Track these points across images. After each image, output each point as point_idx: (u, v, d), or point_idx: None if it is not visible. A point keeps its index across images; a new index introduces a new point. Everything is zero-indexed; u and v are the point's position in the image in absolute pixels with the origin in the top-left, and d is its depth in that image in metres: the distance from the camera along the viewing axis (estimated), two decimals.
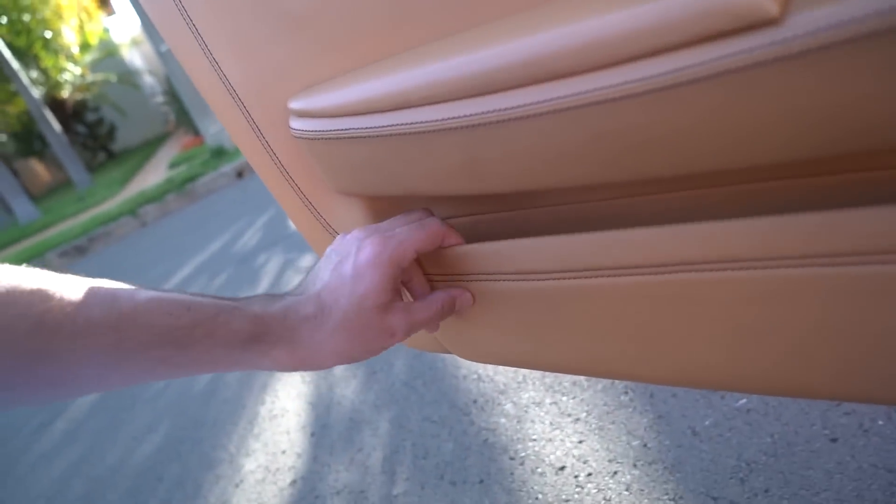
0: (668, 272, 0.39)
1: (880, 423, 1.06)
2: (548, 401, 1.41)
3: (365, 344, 0.44)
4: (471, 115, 0.39)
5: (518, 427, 1.37)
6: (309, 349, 0.44)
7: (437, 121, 0.41)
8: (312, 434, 1.69)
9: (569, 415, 1.34)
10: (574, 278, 0.44)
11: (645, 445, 1.18)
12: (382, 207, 0.56)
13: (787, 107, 0.28)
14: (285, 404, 1.90)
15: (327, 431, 1.67)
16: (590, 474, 1.17)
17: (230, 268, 3.41)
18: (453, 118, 0.40)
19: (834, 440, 1.06)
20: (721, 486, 1.05)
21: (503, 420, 1.41)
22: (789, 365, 0.38)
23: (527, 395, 1.45)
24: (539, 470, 1.24)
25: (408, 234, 0.46)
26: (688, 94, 0.30)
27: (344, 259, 0.45)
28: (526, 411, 1.41)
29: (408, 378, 1.72)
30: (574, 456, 1.23)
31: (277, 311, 0.44)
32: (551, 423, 1.34)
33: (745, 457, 1.08)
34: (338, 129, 0.47)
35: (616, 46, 0.31)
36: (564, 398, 1.39)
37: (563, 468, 1.21)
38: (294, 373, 2.05)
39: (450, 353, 0.62)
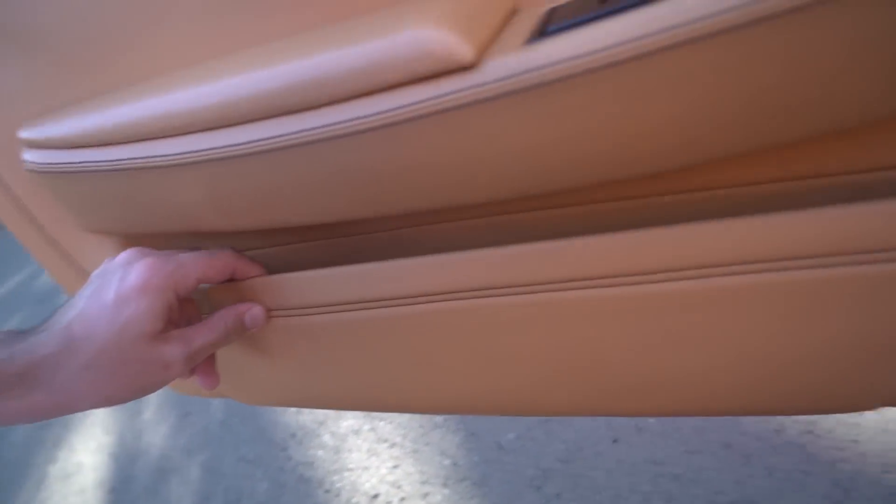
0: (425, 302, 0.41)
1: (651, 421, 1.20)
2: (366, 427, 1.41)
3: (131, 381, 0.39)
4: (206, 149, 0.38)
5: (335, 458, 1.35)
6: (52, 393, 0.38)
7: (173, 155, 0.40)
8: (112, 490, 1.52)
9: (385, 440, 1.35)
10: (338, 312, 0.44)
11: (455, 464, 1.23)
12: (148, 246, 0.53)
13: (492, 145, 0.31)
14: (82, 459, 1.69)
15: (130, 485, 1.51)
16: (403, 499, 1.19)
17: (26, 308, 3.00)
18: (189, 153, 0.39)
19: (615, 441, 1.18)
20: (520, 496, 1.12)
21: (321, 452, 1.38)
22: (554, 385, 0.42)
23: (346, 424, 1.44)
24: (354, 500, 1.23)
25: (191, 259, 0.42)
26: (404, 133, 0.32)
27: (105, 284, 0.40)
28: (344, 440, 1.39)
29: (225, 416, 1.63)
30: (388, 482, 1.24)
31: (12, 352, 0.38)
32: (368, 451, 1.34)
33: (542, 465, 1.17)
34: (73, 162, 0.44)
35: (332, 86, 0.32)
36: (382, 423, 1.40)
37: (377, 496, 1.22)
38: (94, 424, 1.84)
39: (225, 396, 0.59)
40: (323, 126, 0.34)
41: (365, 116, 0.33)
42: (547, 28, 0.28)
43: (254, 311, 0.45)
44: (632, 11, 0.26)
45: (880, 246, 0.32)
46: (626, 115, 0.27)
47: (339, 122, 0.32)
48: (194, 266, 0.42)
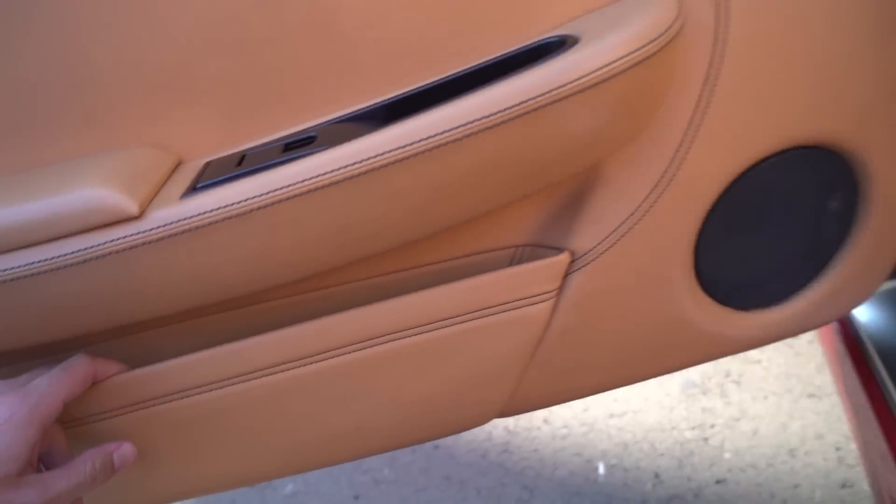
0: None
1: (386, 471, 1.34)
2: None
3: None
4: None
5: None
6: None
7: None
8: None
9: None
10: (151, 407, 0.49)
11: None
12: None
13: (163, 273, 0.42)
14: None
15: None
16: None
17: None
18: None
19: (356, 497, 1.29)
20: None
21: None
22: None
23: None
24: None
25: (49, 383, 0.39)
26: (89, 269, 0.41)
27: None
28: None
29: None
30: None
31: None
32: None
33: None
34: None
35: (25, 233, 0.40)
36: None
37: None
38: None
39: None
40: (21, 266, 0.41)
41: (56, 257, 0.41)
42: (197, 184, 0.41)
43: (123, 450, 0.43)
44: (257, 174, 0.40)
45: (469, 309, 0.50)
46: (256, 246, 0.41)
47: (32, 263, 0.40)
48: (56, 391, 0.39)
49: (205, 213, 0.39)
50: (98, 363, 0.45)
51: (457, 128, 0.38)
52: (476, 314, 0.50)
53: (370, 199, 0.41)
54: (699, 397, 1.11)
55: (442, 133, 0.38)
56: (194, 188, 0.40)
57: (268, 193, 0.39)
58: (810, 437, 1.01)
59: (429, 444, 1.27)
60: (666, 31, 0.39)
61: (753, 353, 1.18)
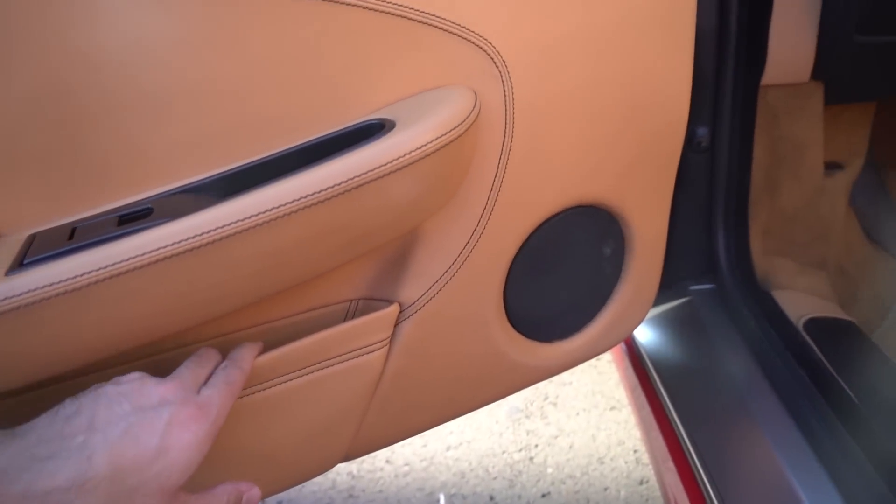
0: None
1: None
2: None
3: None
4: None
5: None
6: None
7: None
8: None
9: None
10: None
11: None
12: None
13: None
14: None
15: None
16: None
17: None
18: None
19: None
20: None
21: None
22: None
23: None
24: None
25: (221, 399, 0.40)
26: None
27: (146, 424, 0.35)
28: None
29: None
30: None
31: (6, 468, 0.30)
32: None
33: None
34: None
35: None
36: None
37: None
38: None
39: None
40: None
41: None
42: (24, 260, 0.40)
43: (253, 493, 0.44)
44: (93, 248, 0.40)
45: (309, 363, 0.53)
46: (93, 320, 0.41)
47: None
48: (226, 407, 0.40)
49: (36, 289, 0.38)
50: (244, 350, 0.48)
51: (290, 202, 0.42)
52: (316, 366, 0.54)
53: (209, 268, 0.43)
54: (524, 421, 1.23)
55: (277, 207, 0.42)
56: (21, 263, 0.40)
57: (106, 268, 0.39)
58: (614, 444, 1.17)
59: (272, 499, 1.24)
60: (466, 118, 0.48)
61: (565, 376, 1.33)
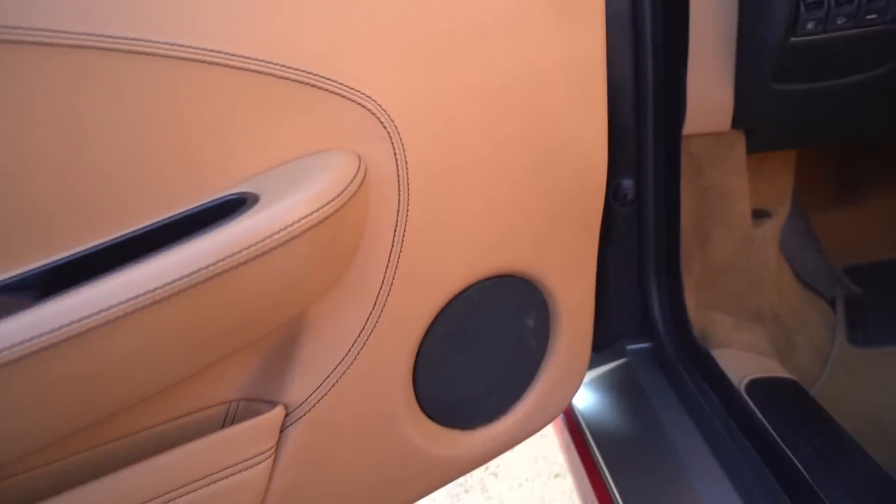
0: None
1: None
2: None
3: None
4: None
5: None
6: None
7: None
8: None
9: None
10: None
11: None
12: None
13: None
14: None
15: None
16: None
17: None
18: None
19: None
20: None
21: None
22: None
23: None
24: None
25: None
26: None
27: None
28: None
29: None
30: None
31: None
32: None
33: None
34: None
35: None
36: None
37: None
38: None
39: None
40: None
41: None
42: None
43: None
44: None
45: (177, 484, 0.43)
46: None
47: None
48: None
49: None
50: None
51: (115, 305, 0.34)
52: (185, 489, 0.44)
53: (12, 396, 0.34)
54: (463, 496, 1.13)
55: (96, 313, 0.33)
56: None
57: None
58: None
59: None
60: (347, 187, 0.41)
61: None
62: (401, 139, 0.45)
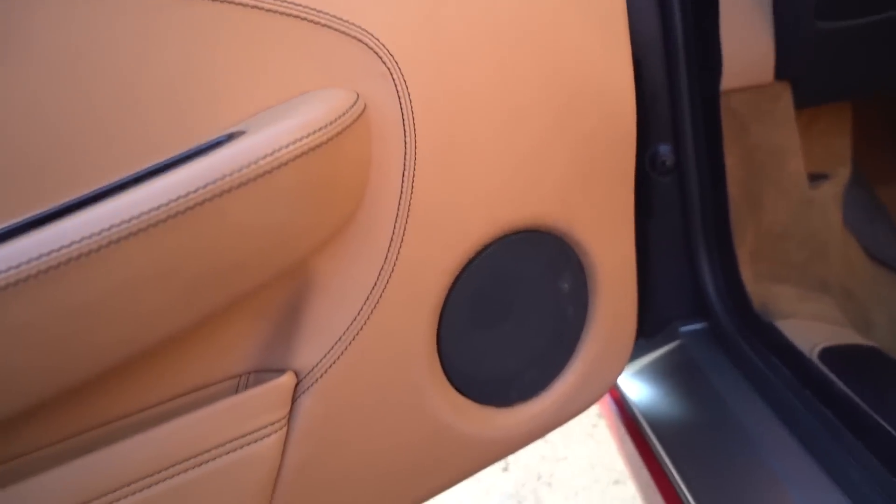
0: None
1: None
2: None
3: None
4: None
5: None
6: None
7: None
8: None
9: None
10: None
11: None
12: None
13: None
14: None
15: None
16: None
17: None
18: None
19: None
20: None
21: None
22: None
23: None
24: None
25: None
26: None
27: None
28: None
29: None
30: None
31: None
32: None
33: None
34: None
35: None
36: None
37: None
38: None
39: None
40: None
41: None
42: None
43: None
44: None
45: (182, 456, 0.40)
46: None
47: None
48: None
49: None
50: None
51: (88, 238, 0.31)
52: (192, 462, 0.41)
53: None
54: None
55: (66, 246, 0.30)
56: None
57: None
58: None
59: None
60: (340, 117, 0.37)
61: (560, 451, 1.17)
62: (402, 76, 0.42)
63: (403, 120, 0.42)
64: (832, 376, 0.60)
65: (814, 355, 0.65)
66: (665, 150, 0.74)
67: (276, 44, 0.39)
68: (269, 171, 0.34)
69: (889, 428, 0.52)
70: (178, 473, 0.40)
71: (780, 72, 0.71)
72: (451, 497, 1.12)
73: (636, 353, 0.84)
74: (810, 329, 0.71)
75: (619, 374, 0.62)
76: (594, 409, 1.27)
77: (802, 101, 0.76)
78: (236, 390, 0.45)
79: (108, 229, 0.31)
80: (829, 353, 0.65)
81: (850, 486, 0.51)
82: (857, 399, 0.56)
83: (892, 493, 0.48)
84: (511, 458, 1.18)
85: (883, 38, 0.69)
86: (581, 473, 1.11)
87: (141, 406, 0.42)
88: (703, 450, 0.68)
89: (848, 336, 0.72)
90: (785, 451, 0.58)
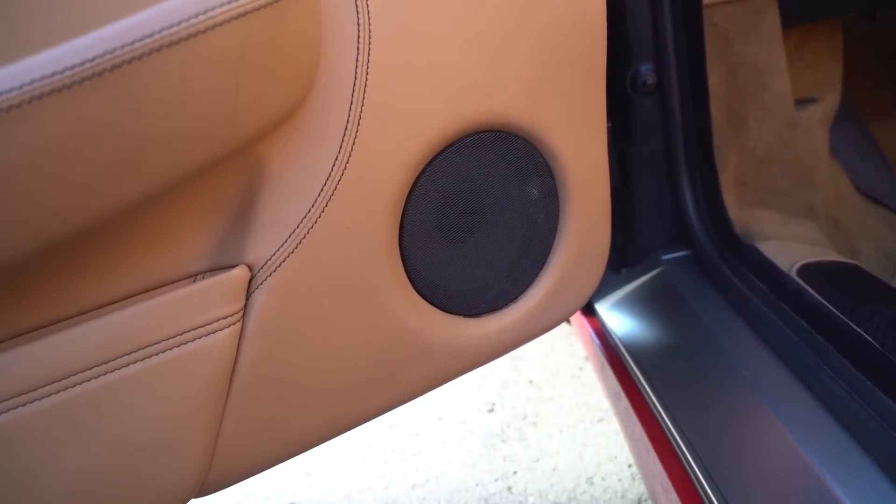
0: None
1: None
2: None
3: None
4: None
5: None
6: None
7: None
8: None
9: None
10: None
11: None
12: None
13: None
14: None
15: None
16: None
17: None
18: None
19: None
20: None
21: None
22: None
23: None
24: None
25: None
26: None
27: None
28: None
29: None
30: None
31: None
32: None
33: None
34: None
35: None
36: None
37: None
38: None
39: None
40: None
41: None
42: None
43: None
44: None
45: (130, 347, 0.39)
46: None
47: None
48: None
49: None
50: None
51: (14, 90, 0.29)
52: (143, 352, 0.40)
53: None
54: (500, 446, 1.06)
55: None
56: None
57: None
58: (604, 460, 1.00)
59: None
60: None
61: (545, 392, 1.17)
62: None
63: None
64: (807, 288, 0.59)
65: (792, 271, 0.64)
66: (646, 69, 0.72)
67: None
68: (203, 32, 0.32)
69: (861, 332, 0.51)
70: (130, 363, 0.39)
71: None
72: (433, 436, 1.12)
73: (617, 284, 0.83)
74: (791, 248, 0.70)
75: (594, 287, 0.61)
76: (582, 352, 1.27)
77: (789, 17, 0.73)
78: None
79: (30, 84, 0.29)
80: (807, 269, 0.64)
81: (821, 388, 0.50)
82: (830, 307, 0.55)
83: (862, 392, 0.47)
84: (497, 400, 1.18)
85: None
86: (566, 413, 1.11)
87: (92, 305, 0.41)
88: (677, 368, 0.67)
89: (829, 255, 0.71)
90: (758, 361, 0.57)
